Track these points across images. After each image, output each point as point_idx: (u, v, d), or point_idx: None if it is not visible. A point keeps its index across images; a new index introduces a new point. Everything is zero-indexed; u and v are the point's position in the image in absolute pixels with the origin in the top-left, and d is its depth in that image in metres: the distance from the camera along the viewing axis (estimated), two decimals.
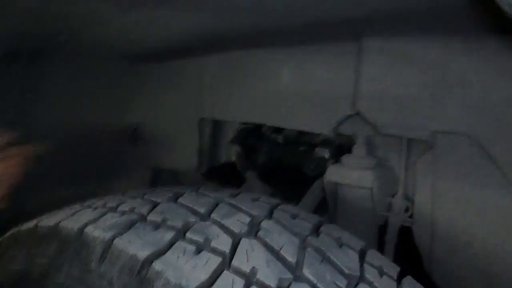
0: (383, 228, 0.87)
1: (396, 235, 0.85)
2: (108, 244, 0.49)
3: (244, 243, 0.49)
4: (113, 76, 1.21)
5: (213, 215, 0.54)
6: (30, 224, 0.59)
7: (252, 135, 1.16)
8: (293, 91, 0.97)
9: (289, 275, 0.45)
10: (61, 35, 0.89)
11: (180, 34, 0.93)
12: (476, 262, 0.77)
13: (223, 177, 0.91)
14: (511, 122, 0.69)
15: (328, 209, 0.93)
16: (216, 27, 0.86)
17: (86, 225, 0.53)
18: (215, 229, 0.51)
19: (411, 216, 0.84)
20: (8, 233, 0.63)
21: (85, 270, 0.49)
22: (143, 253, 0.46)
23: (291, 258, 0.48)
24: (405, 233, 0.85)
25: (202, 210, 0.56)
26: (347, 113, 0.88)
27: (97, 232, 0.51)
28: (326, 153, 1.05)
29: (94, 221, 0.53)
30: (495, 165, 0.71)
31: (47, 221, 0.57)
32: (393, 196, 0.86)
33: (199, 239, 0.49)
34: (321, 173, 1.00)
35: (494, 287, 0.76)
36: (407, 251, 0.83)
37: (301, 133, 1.11)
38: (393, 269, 0.55)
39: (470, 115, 0.74)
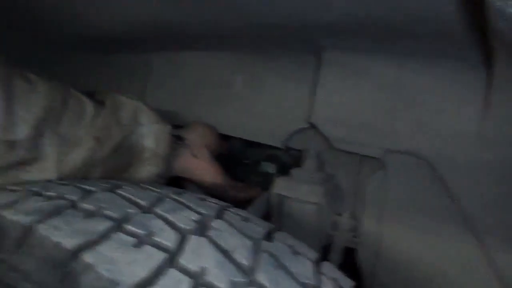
0: (327, 247, 0.83)
1: (340, 255, 0.82)
2: (28, 230, 0.41)
3: (192, 240, 0.43)
4: (50, 64, 1.11)
5: (157, 209, 0.48)
6: None
7: None
8: (245, 99, 0.93)
9: (242, 279, 0.40)
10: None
11: (122, 22, 0.85)
12: (418, 287, 0.75)
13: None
14: (464, 147, 0.69)
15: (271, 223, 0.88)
16: (163, 20, 0.80)
17: (1, 207, 0.44)
18: (158, 223, 0.44)
19: (356, 237, 0.81)
20: None
21: None
22: (70, 242, 0.39)
23: (244, 261, 0.42)
24: (349, 253, 0.82)
25: (144, 203, 0.49)
26: (300, 125, 0.85)
27: (15, 216, 0.42)
28: (271, 168, 1.02)
29: (12, 203, 0.45)
30: (445, 189, 0.71)
31: None
32: (339, 214, 0.83)
33: (140, 231, 0.42)
34: (265, 188, 0.96)
35: None
36: (350, 273, 0.79)
37: (246, 146, 1.06)
38: (348, 283, 0.51)
39: (422, 136, 0.73)
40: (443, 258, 0.73)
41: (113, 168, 0.69)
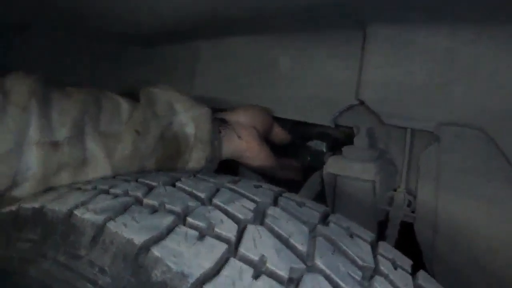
0: (383, 223, 0.84)
1: (397, 231, 0.82)
2: (100, 228, 0.44)
3: (251, 229, 0.45)
4: (101, 58, 1.16)
5: (215, 200, 0.50)
6: (12, 206, 0.54)
7: None
8: (292, 79, 0.93)
9: (301, 265, 0.42)
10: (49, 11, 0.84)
11: (173, 15, 0.88)
12: (480, 260, 0.74)
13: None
14: None
15: (325, 203, 0.89)
16: (213, 7, 0.81)
17: (75, 207, 0.48)
18: (218, 214, 0.47)
19: (413, 212, 0.80)
20: None
21: (73, 256, 0.44)
22: (140, 238, 0.42)
23: (301, 247, 0.44)
24: (406, 228, 0.82)
25: (202, 195, 0.51)
26: (349, 103, 0.84)
27: (88, 215, 0.46)
28: (323, 146, 1.02)
29: (84, 203, 0.49)
30: (504, 158, 0.68)
31: (31, 203, 0.52)
32: (394, 190, 0.83)
33: (202, 224, 0.44)
34: (317, 167, 0.97)
35: (496, 287, 0.73)
36: (408, 248, 0.79)
37: (296, 125, 1.07)
38: (406, 262, 0.51)
39: (479, 106, 0.70)
40: (508, 231, 0.71)
41: (165, 158, 0.71)
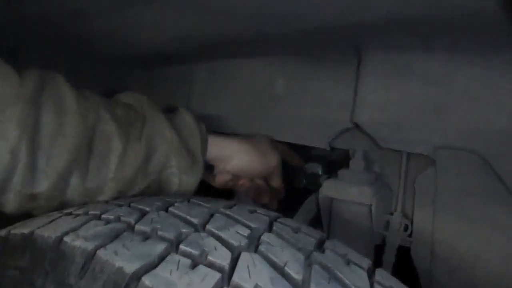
0: (380, 247, 0.83)
1: (394, 255, 0.81)
2: (91, 256, 0.43)
3: (245, 257, 0.44)
4: (96, 81, 1.16)
5: (209, 226, 0.49)
6: (2, 231, 0.53)
7: None
8: (288, 102, 0.93)
9: None
10: (44, 32, 0.84)
11: (170, 39, 0.88)
12: (478, 285, 0.73)
13: (210, 190, 0.85)
14: None
15: (321, 226, 0.88)
16: (209, 31, 0.82)
17: (65, 233, 0.47)
18: (211, 241, 0.46)
19: (409, 236, 0.79)
20: None
21: (62, 284, 0.43)
22: (131, 266, 0.40)
23: (296, 276, 0.43)
24: (404, 253, 0.81)
25: (196, 221, 0.50)
26: (344, 126, 0.84)
27: (78, 242, 0.45)
28: (318, 169, 1.01)
29: (74, 229, 0.48)
30: (501, 182, 0.68)
31: (21, 228, 0.51)
32: (390, 214, 0.82)
33: (195, 251, 0.43)
34: (313, 190, 0.96)
35: None
36: (405, 272, 0.78)
37: (291, 148, 1.06)
38: None
39: (475, 130, 0.70)
40: (506, 256, 0.70)
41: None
